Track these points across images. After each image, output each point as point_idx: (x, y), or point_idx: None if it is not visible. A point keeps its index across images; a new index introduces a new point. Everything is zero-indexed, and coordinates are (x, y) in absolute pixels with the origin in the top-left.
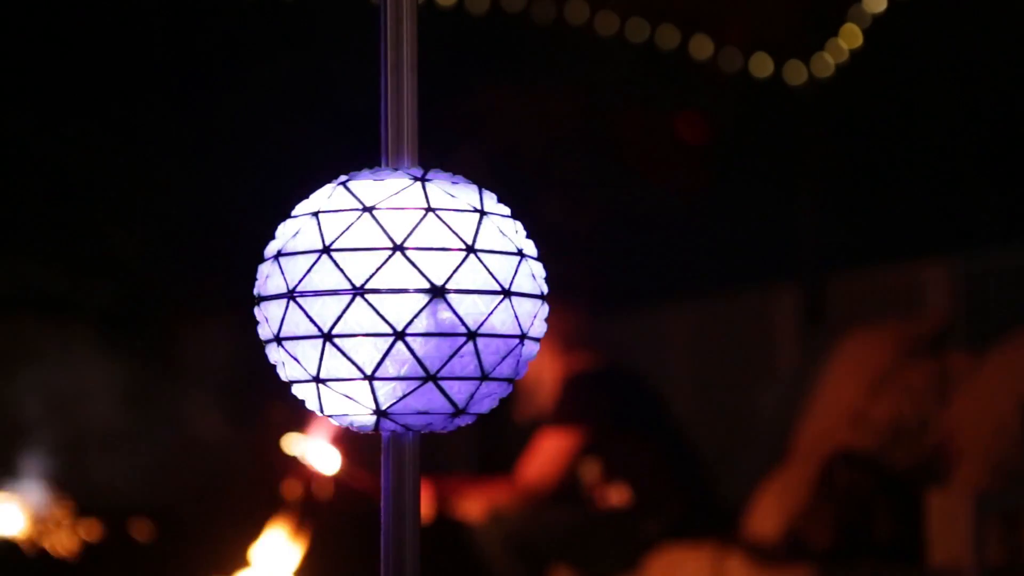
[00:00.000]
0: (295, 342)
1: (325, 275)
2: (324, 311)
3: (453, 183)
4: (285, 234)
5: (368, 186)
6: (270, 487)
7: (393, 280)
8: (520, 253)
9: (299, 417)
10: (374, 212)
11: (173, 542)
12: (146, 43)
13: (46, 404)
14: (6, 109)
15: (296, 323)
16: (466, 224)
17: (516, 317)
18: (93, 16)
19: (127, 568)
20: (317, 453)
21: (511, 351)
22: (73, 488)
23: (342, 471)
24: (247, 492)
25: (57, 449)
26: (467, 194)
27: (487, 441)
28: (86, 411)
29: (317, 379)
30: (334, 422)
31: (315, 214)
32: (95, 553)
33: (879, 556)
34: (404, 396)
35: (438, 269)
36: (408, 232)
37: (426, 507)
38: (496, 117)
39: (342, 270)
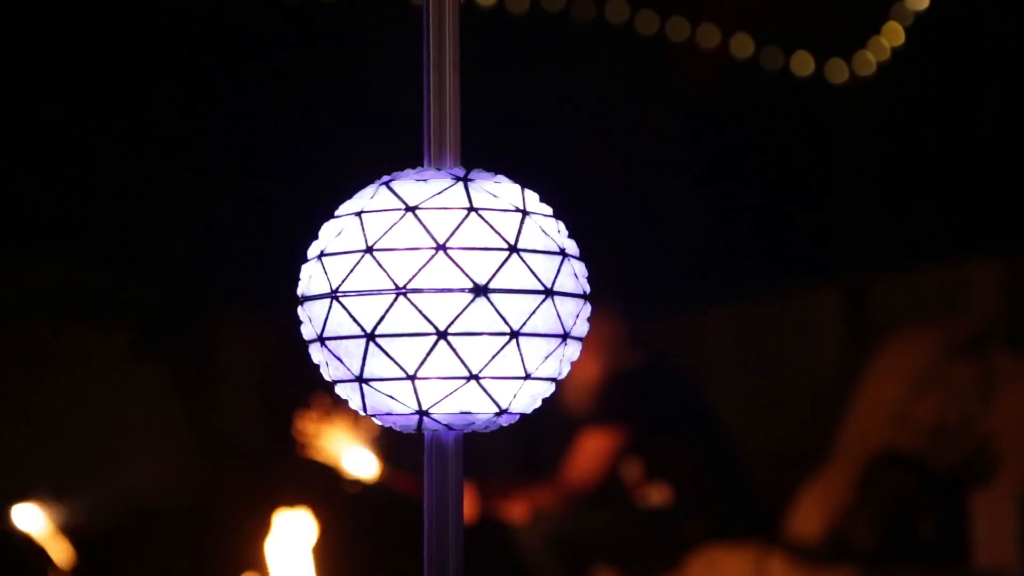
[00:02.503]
0: (338, 342)
1: (368, 275)
2: (367, 311)
3: (495, 183)
4: (328, 234)
5: (411, 186)
6: (306, 489)
7: (436, 280)
8: (562, 252)
9: (338, 419)
10: (417, 212)
11: (206, 543)
12: (188, 46)
13: (85, 404)
14: (49, 111)
15: (339, 323)
16: (508, 224)
17: (559, 316)
18: (136, 20)
19: (161, 566)
20: (356, 459)
21: (553, 351)
22: (110, 487)
23: (383, 474)
24: (282, 493)
25: (94, 449)
26: (509, 193)
27: (529, 441)
28: (125, 411)
29: (360, 379)
30: (377, 422)
31: (358, 214)
32: (128, 551)
33: (923, 556)
34: (447, 396)
35: (481, 269)
36: (451, 232)
37: (469, 510)
38: (538, 115)
39: (385, 270)
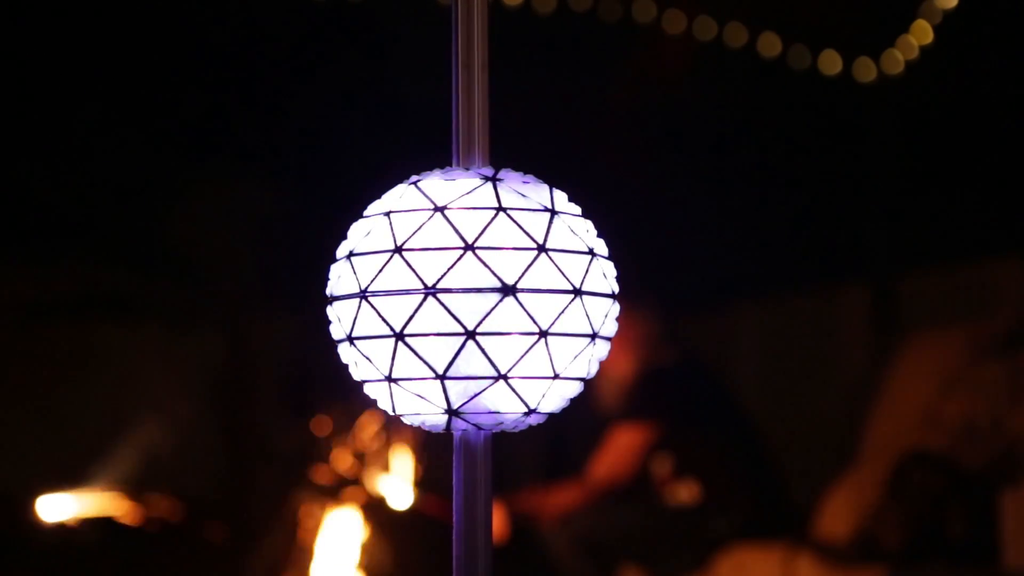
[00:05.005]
0: (367, 342)
1: (397, 275)
2: (396, 311)
3: (524, 182)
4: (357, 234)
5: (439, 186)
6: (333, 490)
7: (464, 280)
8: (591, 252)
9: (367, 418)
10: (445, 212)
11: (235, 541)
12: (213, 45)
13: (113, 405)
14: (72, 110)
15: (368, 323)
16: (537, 223)
17: (587, 316)
18: (158, 20)
19: (192, 566)
20: (392, 489)
21: (582, 350)
22: (139, 486)
23: (417, 502)
24: (311, 494)
25: (121, 447)
26: (538, 193)
27: (559, 437)
28: (153, 411)
29: (389, 379)
30: (406, 421)
31: (387, 214)
32: (160, 550)
33: (952, 557)
34: (475, 395)
35: (509, 268)
36: (479, 232)
37: (498, 529)
38: (566, 114)
39: (414, 270)
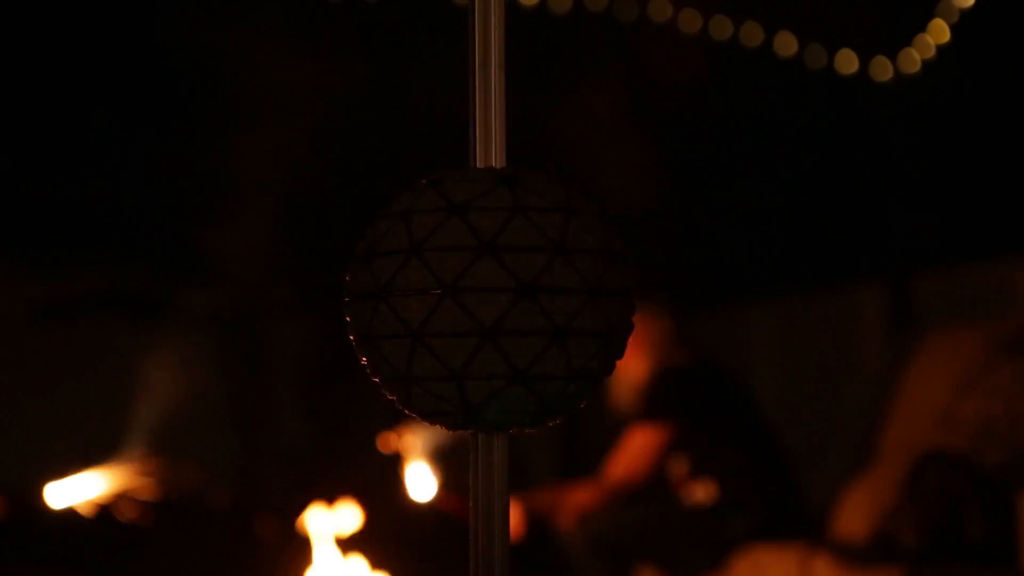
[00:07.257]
0: (385, 341)
1: (414, 275)
2: (413, 310)
3: (541, 182)
4: (375, 234)
5: (457, 186)
6: (353, 490)
7: (481, 280)
8: (608, 252)
9: (388, 418)
10: (463, 212)
11: (250, 543)
12: (228, 46)
13: (134, 402)
14: (97, 112)
15: (386, 322)
16: (554, 223)
17: (604, 315)
18: (170, 23)
19: (200, 565)
20: (415, 479)
21: (599, 350)
22: (153, 482)
23: (437, 497)
24: (330, 495)
25: (142, 447)
26: (555, 193)
27: (574, 438)
28: (174, 409)
29: (407, 378)
30: (423, 421)
31: (404, 214)
32: (177, 546)
33: (970, 557)
34: (492, 395)
35: (526, 268)
36: (496, 231)
37: (516, 527)
38: (582, 115)
39: (431, 269)
